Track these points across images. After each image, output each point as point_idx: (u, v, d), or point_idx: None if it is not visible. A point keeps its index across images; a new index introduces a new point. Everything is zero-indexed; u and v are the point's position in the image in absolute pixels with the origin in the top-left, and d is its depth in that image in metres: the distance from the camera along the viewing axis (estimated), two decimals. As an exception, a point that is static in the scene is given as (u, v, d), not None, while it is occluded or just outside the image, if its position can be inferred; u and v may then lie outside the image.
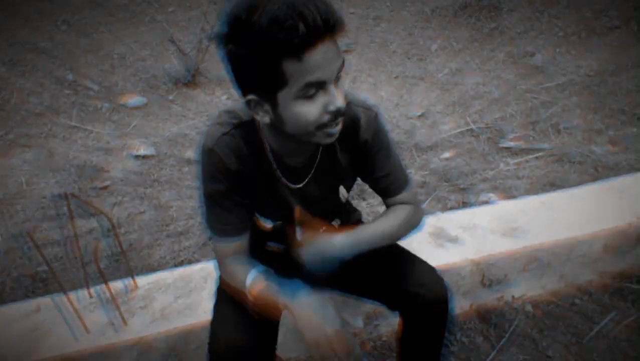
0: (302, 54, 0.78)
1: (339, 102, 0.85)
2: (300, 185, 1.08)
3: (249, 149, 1.01)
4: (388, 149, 1.11)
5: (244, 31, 0.78)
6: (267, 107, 0.88)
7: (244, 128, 1.00)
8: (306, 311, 0.95)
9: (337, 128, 0.90)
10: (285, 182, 1.06)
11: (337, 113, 0.87)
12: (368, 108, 1.06)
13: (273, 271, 1.07)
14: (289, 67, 0.80)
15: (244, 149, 1.00)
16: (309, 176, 1.08)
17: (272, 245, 1.23)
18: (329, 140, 0.92)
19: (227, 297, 1.10)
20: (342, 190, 1.17)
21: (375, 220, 1.12)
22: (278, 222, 1.14)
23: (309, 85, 0.82)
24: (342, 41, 0.94)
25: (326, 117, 0.86)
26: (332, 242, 1.03)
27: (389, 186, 1.13)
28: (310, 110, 0.85)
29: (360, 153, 1.09)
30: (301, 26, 0.75)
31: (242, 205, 1.06)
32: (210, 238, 1.10)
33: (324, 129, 0.88)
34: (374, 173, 1.12)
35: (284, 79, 0.81)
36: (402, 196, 1.14)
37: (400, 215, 1.13)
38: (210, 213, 1.06)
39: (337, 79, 0.86)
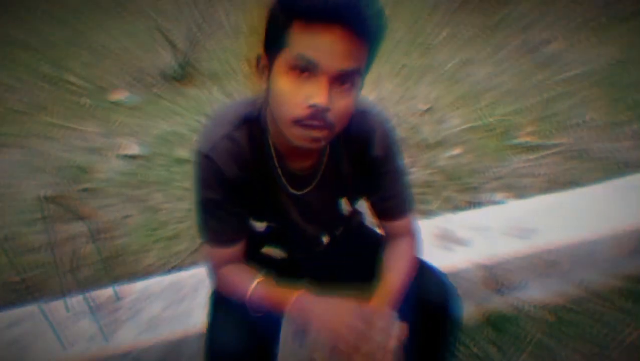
0: (314, 21, 0.79)
1: (319, 99, 0.82)
2: (301, 193, 1.08)
3: (252, 150, 1.00)
4: (398, 169, 1.10)
5: None
6: (267, 68, 0.88)
7: (249, 127, 0.99)
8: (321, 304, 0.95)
9: (314, 134, 0.87)
10: (286, 187, 1.06)
11: (314, 112, 0.84)
12: (385, 121, 1.06)
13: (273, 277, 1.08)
14: (295, 30, 0.81)
15: (246, 151, 0.99)
16: (312, 184, 1.08)
17: (269, 248, 1.24)
18: (308, 145, 0.89)
19: (224, 302, 1.10)
20: (345, 203, 1.16)
21: (387, 272, 1.10)
22: (273, 224, 1.14)
23: (301, 57, 0.81)
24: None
25: (304, 111, 0.84)
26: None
27: (391, 209, 1.13)
28: (292, 92, 0.84)
29: (369, 169, 1.08)
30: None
31: (238, 215, 1.06)
32: (204, 242, 1.10)
33: (301, 125, 0.86)
34: (378, 193, 1.11)
35: (287, 39, 0.82)
36: (402, 222, 1.14)
37: (407, 252, 1.14)
38: (204, 220, 1.06)
39: (339, 81, 0.84)
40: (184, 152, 2.56)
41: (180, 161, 2.51)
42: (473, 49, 3.62)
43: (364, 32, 0.81)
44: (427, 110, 2.90)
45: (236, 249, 1.09)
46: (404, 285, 1.08)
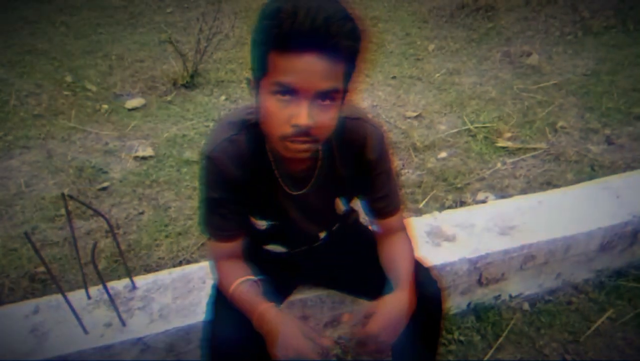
0: (287, 51, 0.79)
1: (301, 120, 0.82)
2: (299, 193, 1.08)
3: (251, 152, 1.00)
4: (389, 171, 1.12)
5: (262, 13, 0.82)
6: (255, 89, 0.89)
7: (249, 131, 1.00)
8: (278, 326, 0.96)
9: (302, 147, 0.87)
10: (284, 187, 1.07)
11: (299, 132, 0.84)
12: (377, 128, 1.06)
13: (268, 282, 1.08)
14: (273, 57, 0.81)
15: (246, 154, 1.00)
16: (309, 185, 1.08)
17: (271, 246, 1.24)
18: (297, 155, 0.90)
19: (224, 295, 1.11)
20: (340, 203, 1.17)
21: (398, 262, 1.11)
22: (273, 222, 1.14)
23: (279, 84, 0.82)
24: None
25: (288, 129, 0.85)
26: (401, 312, 1.01)
27: (384, 208, 1.14)
28: (276, 113, 0.85)
29: (363, 171, 1.09)
30: (293, 24, 0.76)
31: (239, 213, 1.07)
32: (207, 238, 1.11)
33: (287, 141, 0.86)
34: (372, 193, 1.12)
35: (266, 67, 0.83)
36: (393, 219, 1.15)
37: (407, 243, 1.16)
38: (207, 217, 1.07)
39: (319, 99, 0.83)
40: (193, 154, 2.56)
41: (189, 162, 2.51)
42: (459, 60, 3.62)
43: (336, 55, 0.80)
44: (417, 117, 2.90)
45: (235, 245, 1.10)
46: (413, 269, 1.09)
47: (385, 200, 1.13)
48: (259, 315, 0.99)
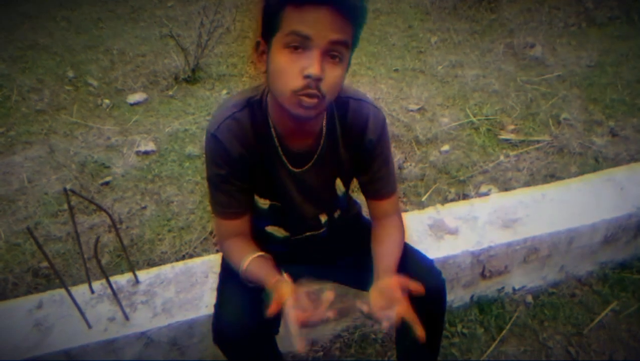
0: (303, 4, 0.84)
1: (314, 69, 0.85)
2: (300, 170, 1.09)
3: (254, 129, 1.03)
4: (388, 153, 1.14)
5: None
6: (265, 50, 0.92)
7: (252, 108, 1.02)
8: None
9: (312, 102, 0.89)
10: (286, 164, 1.08)
11: (310, 82, 0.87)
12: (378, 110, 1.09)
13: (272, 257, 1.09)
14: (288, 13, 0.85)
15: (249, 130, 1.02)
16: (310, 163, 1.09)
17: (272, 228, 1.24)
18: (304, 114, 0.91)
19: (231, 279, 1.12)
20: (339, 184, 1.17)
21: (384, 254, 1.11)
22: (274, 202, 1.15)
23: (294, 33, 0.85)
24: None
25: (300, 82, 0.87)
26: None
27: (380, 189, 1.16)
28: (288, 65, 0.88)
29: (363, 152, 1.11)
30: None
31: (243, 190, 1.09)
32: (214, 216, 1.13)
33: (298, 95, 0.88)
34: (369, 174, 1.14)
35: (280, 23, 0.86)
36: (388, 201, 1.17)
37: (398, 228, 1.17)
38: (213, 195, 1.10)
39: (330, 54, 0.87)
40: (195, 149, 2.56)
41: (191, 157, 2.50)
42: (462, 52, 3.60)
43: (348, 12, 0.86)
44: (419, 110, 2.89)
45: (242, 222, 1.12)
46: (399, 254, 1.11)
47: (381, 181, 1.15)
48: (272, 285, 0.98)
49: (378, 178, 1.14)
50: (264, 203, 1.15)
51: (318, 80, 0.86)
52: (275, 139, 1.05)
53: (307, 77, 0.86)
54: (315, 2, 0.83)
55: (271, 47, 0.90)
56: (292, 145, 1.06)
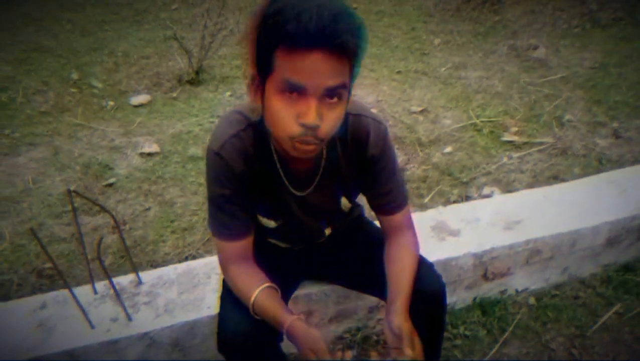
0: (294, 49, 0.78)
1: (309, 119, 0.82)
2: (303, 193, 1.08)
3: (256, 152, 1.00)
4: (393, 166, 1.10)
5: (265, 13, 0.81)
6: (260, 88, 0.88)
7: (253, 130, 0.99)
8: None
9: (309, 148, 0.87)
10: (288, 187, 1.06)
11: (307, 130, 0.83)
12: (379, 122, 1.05)
13: (273, 277, 1.08)
14: (280, 55, 0.80)
15: (251, 151, 0.99)
16: (313, 185, 1.07)
17: (274, 241, 1.24)
18: (302, 156, 0.89)
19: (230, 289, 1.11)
20: (345, 202, 1.16)
21: (397, 272, 1.09)
22: (279, 222, 1.14)
23: (287, 82, 0.81)
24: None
25: (297, 129, 0.84)
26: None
27: (388, 203, 1.12)
28: (284, 112, 0.84)
29: (366, 167, 1.08)
30: (300, 23, 0.76)
31: (246, 210, 1.06)
32: (215, 238, 1.10)
33: (295, 141, 0.86)
34: (376, 189, 1.11)
35: (273, 65, 0.82)
36: (399, 215, 1.13)
37: (412, 247, 1.13)
38: (214, 218, 1.06)
39: (327, 97, 0.83)
40: (198, 150, 2.57)
41: (194, 158, 2.51)
42: (465, 54, 3.60)
43: (344, 51, 0.80)
44: (422, 111, 2.89)
45: (245, 243, 1.08)
46: (414, 273, 1.08)
47: (390, 196, 1.11)
48: (288, 328, 0.97)
49: (386, 192, 1.10)
50: (268, 222, 1.14)
51: (315, 127, 0.83)
52: (277, 163, 1.03)
53: (302, 125, 0.83)
54: (307, 45, 0.77)
55: (266, 86, 0.86)
56: (294, 167, 1.04)
